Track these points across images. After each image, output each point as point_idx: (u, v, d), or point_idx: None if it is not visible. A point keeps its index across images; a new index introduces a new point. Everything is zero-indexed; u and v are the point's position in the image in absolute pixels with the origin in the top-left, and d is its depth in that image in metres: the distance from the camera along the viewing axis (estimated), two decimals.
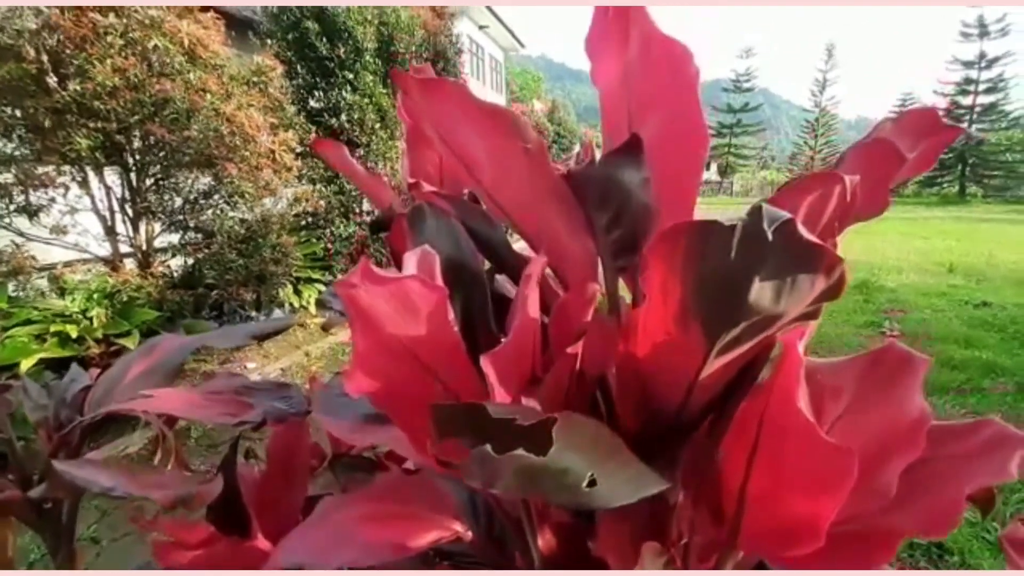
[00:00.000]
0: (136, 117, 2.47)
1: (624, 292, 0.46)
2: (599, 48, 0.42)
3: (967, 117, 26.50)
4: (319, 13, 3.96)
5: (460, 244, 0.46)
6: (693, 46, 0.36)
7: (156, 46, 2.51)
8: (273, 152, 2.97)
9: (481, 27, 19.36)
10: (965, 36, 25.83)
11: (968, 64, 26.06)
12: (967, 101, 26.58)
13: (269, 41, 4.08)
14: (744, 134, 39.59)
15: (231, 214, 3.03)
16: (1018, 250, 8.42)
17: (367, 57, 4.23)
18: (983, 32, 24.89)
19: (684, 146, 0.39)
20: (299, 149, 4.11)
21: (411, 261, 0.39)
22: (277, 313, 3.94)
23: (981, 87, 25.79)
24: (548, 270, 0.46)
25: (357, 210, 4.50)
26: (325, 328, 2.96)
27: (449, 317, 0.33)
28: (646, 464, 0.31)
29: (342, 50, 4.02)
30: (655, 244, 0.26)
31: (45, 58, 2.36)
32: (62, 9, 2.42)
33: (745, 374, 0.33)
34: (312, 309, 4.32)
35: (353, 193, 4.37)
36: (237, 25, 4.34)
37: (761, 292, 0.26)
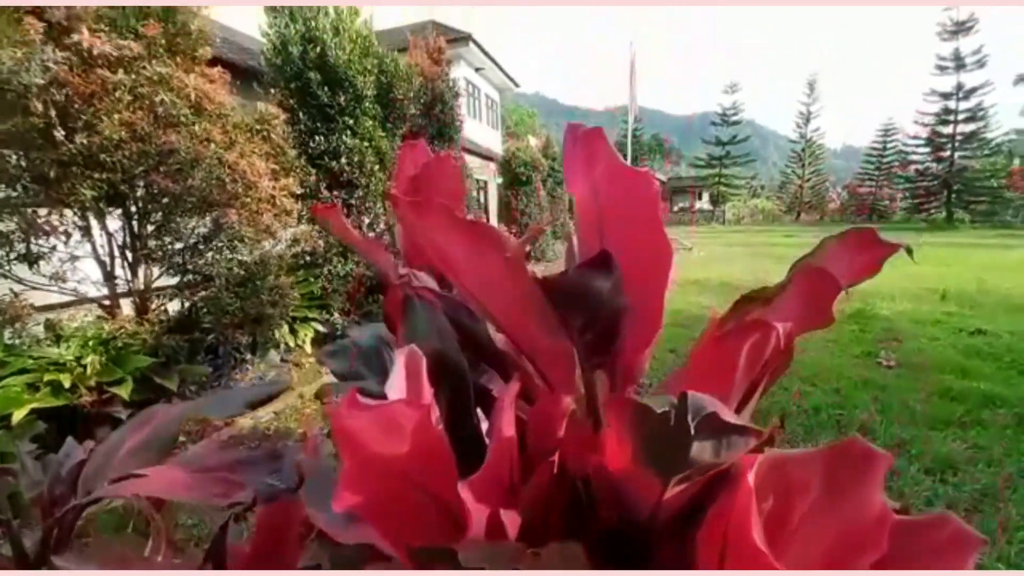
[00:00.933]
0: (141, 168, 2.56)
1: None
2: (570, 165, 0.46)
3: (948, 145, 27.32)
4: (321, 64, 4.13)
5: (445, 340, 0.49)
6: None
7: (163, 100, 2.62)
8: (274, 197, 3.05)
9: (477, 69, 20.13)
10: (941, 69, 26.93)
11: (946, 95, 27.11)
12: (948, 130, 27.48)
13: (272, 90, 4.25)
14: (733, 165, 40.66)
15: (230, 257, 3.07)
16: (1009, 276, 8.53)
17: (366, 104, 4.39)
18: (959, 65, 25.97)
19: (650, 262, 0.43)
20: (299, 191, 4.23)
21: (399, 364, 0.42)
22: (272, 355, 3.93)
23: (961, 116, 26.71)
24: (528, 364, 0.48)
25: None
26: (318, 396, 2.95)
27: (433, 431, 0.36)
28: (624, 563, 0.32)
29: (342, 98, 4.18)
30: (610, 404, 0.29)
31: (53, 112, 2.46)
32: (71, 66, 2.53)
33: (711, 488, 0.36)
34: (308, 348, 4.31)
35: (363, 228, 4.45)
36: (242, 75, 4.53)
37: (701, 449, 0.28)
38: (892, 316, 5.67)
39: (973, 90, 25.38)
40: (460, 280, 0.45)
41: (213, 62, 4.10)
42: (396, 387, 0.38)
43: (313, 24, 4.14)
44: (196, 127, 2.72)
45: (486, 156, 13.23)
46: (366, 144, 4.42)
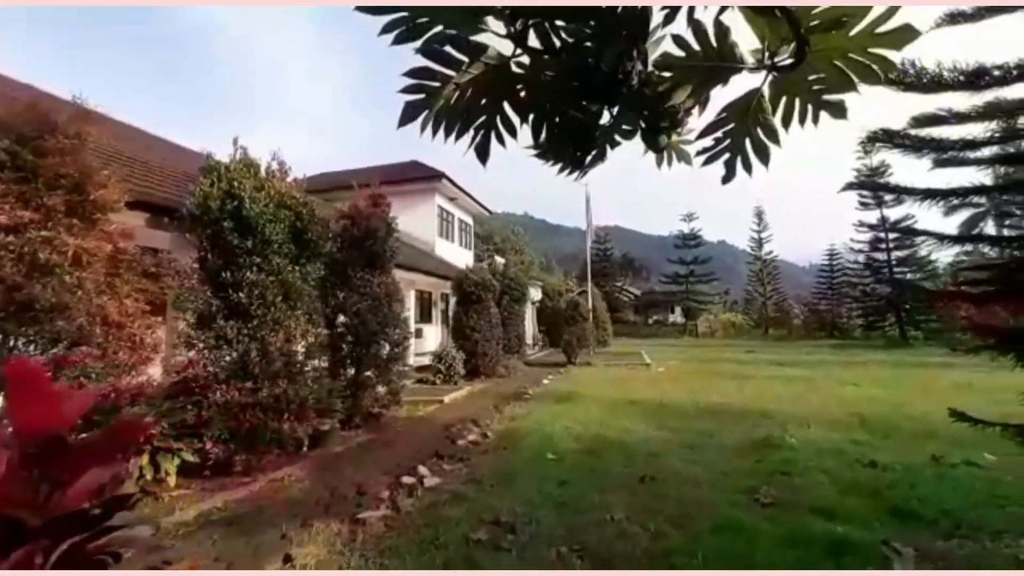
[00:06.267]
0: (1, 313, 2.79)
1: None
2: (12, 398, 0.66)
3: (885, 269, 29.67)
4: (236, 214, 4.69)
5: None
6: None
7: (44, 257, 2.97)
8: (135, 336, 3.25)
9: (451, 199, 22.34)
10: (864, 205, 30.49)
11: (874, 227, 30.32)
12: (883, 256, 30.09)
13: (188, 234, 4.74)
14: (699, 282, 43.16)
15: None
16: (934, 398, 8.68)
17: (275, 245, 4.88)
18: (879, 201, 29.45)
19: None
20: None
21: None
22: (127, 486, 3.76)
23: (892, 243, 29.50)
24: None
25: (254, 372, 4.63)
26: None
27: None
28: None
29: (250, 241, 4.67)
30: None
31: None
32: None
33: None
34: (172, 480, 4.14)
35: (252, 355, 4.59)
36: (168, 212, 5.08)
37: None
38: (799, 445, 5.69)
39: (898, 222, 28.43)
40: None
41: (137, 204, 4.67)
42: None
43: (236, 184, 4.80)
44: (67, 277, 3.03)
45: (447, 277, 14.00)
46: (271, 279, 4.80)
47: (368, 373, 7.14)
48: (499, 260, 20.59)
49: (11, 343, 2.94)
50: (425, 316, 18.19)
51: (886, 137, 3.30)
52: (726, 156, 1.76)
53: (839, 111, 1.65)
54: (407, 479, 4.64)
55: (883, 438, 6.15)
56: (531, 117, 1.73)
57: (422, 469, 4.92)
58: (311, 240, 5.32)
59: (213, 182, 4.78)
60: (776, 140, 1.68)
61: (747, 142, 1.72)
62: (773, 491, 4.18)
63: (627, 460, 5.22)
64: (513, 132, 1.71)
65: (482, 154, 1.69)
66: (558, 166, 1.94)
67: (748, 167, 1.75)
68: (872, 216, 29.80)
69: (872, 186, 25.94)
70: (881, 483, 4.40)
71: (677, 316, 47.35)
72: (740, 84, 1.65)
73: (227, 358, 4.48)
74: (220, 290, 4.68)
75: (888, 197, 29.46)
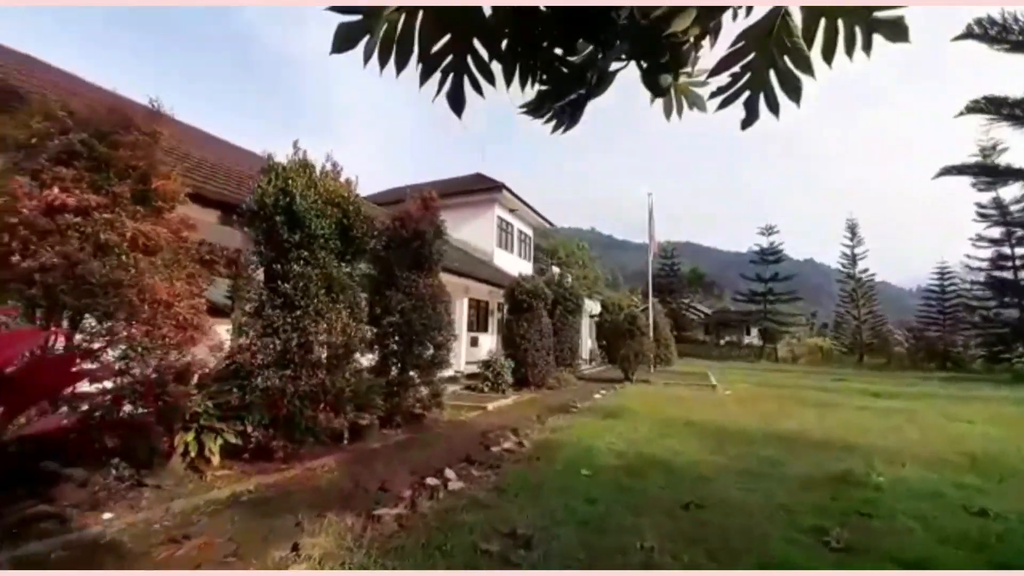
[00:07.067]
0: (61, 287, 3.09)
1: None
2: None
3: (1011, 291, 25.16)
4: (288, 209, 4.95)
5: None
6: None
7: (105, 238, 3.27)
8: (181, 315, 3.47)
9: (511, 210, 22.56)
10: (983, 216, 26.20)
11: (997, 242, 25.88)
12: (1009, 275, 25.58)
13: (247, 228, 5.08)
14: (779, 301, 39.56)
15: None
16: None
17: (322, 240, 5.08)
18: (1004, 212, 25.22)
19: None
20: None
21: None
22: (176, 465, 3.99)
23: (1019, 262, 25.03)
24: None
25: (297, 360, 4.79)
26: None
27: None
28: None
29: (298, 235, 4.89)
30: None
31: (14, 244, 3.13)
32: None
33: None
34: (216, 459, 4.34)
35: (293, 344, 4.77)
36: (227, 208, 5.47)
37: None
38: (887, 484, 4.81)
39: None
40: None
41: (198, 198, 5.08)
42: None
43: (291, 182, 5.09)
44: (124, 257, 3.32)
45: (502, 285, 13.99)
46: (316, 271, 4.99)
47: (412, 373, 7.20)
48: (555, 270, 20.27)
49: (70, 315, 3.25)
50: (481, 325, 18.32)
51: (991, 107, 2.68)
52: (746, 95, 1.46)
53: (897, 31, 1.29)
54: (432, 480, 4.52)
55: (998, 483, 5.04)
56: (517, 66, 1.55)
57: (449, 472, 4.78)
58: (356, 237, 5.49)
59: (271, 180, 5.09)
60: (808, 69, 1.35)
61: (771, 75, 1.41)
62: (847, 534, 3.50)
63: (671, 483, 4.70)
64: (491, 78, 1.54)
65: (455, 102, 1.53)
66: (552, 123, 1.74)
67: (774, 106, 1.43)
68: (995, 231, 25.58)
69: (978, 169, 21.97)
70: (990, 535, 3.54)
71: (753, 338, 43.68)
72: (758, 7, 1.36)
73: (271, 346, 4.67)
74: (270, 281, 4.93)
75: (1015, 206, 25.13)
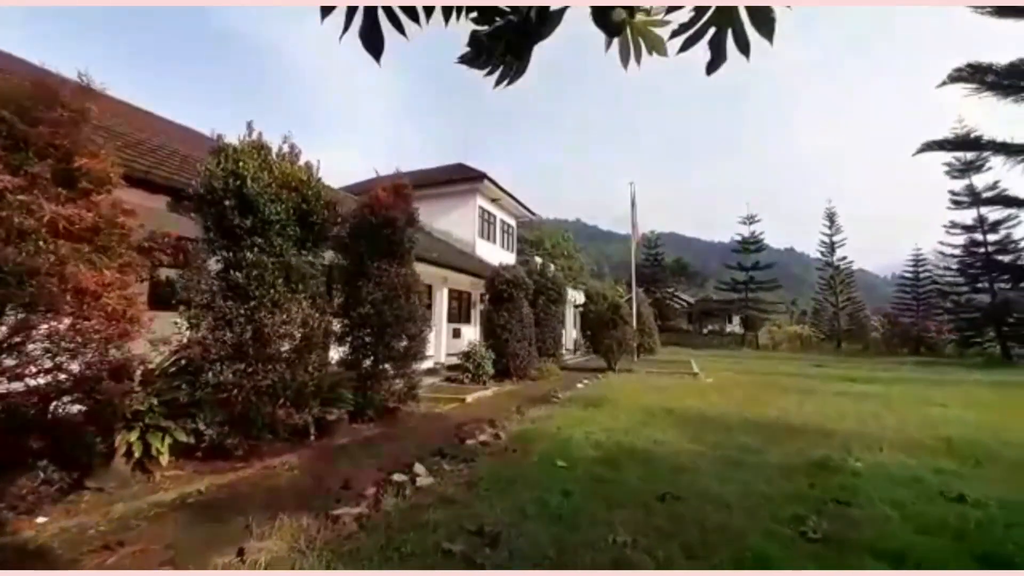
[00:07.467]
0: None
1: None
2: None
3: (983, 277, 25.84)
4: (238, 193, 4.61)
5: None
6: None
7: (20, 222, 2.93)
8: (110, 307, 3.15)
9: (493, 200, 22.19)
10: (957, 204, 26.74)
11: (969, 228, 26.46)
12: (980, 262, 26.24)
13: (194, 214, 4.72)
14: (760, 290, 40.06)
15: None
16: None
17: (278, 226, 4.75)
18: (976, 200, 25.76)
19: None
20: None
21: None
22: (118, 466, 3.69)
23: (990, 248, 25.64)
24: None
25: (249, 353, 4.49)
26: None
27: None
28: None
29: (250, 221, 4.56)
30: None
31: None
32: None
33: None
34: (164, 459, 4.06)
35: (247, 336, 4.47)
36: (175, 194, 5.09)
37: None
38: (864, 471, 4.76)
39: (998, 223, 24.72)
40: None
41: (142, 183, 4.71)
42: None
43: (241, 164, 4.73)
44: (42, 243, 2.98)
45: (482, 276, 13.72)
46: (272, 260, 4.67)
47: (386, 366, 6.93)
48: (537, 260, 20.08)
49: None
50: (463, 316, 18.04)
51: (972, 75, 2.51)
52: (711, 32, 1.24)
53: None
54: (399, 477, 4.30)
55: (975, 467, 5.04)
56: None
57: (418, 467, 4.57)
58: (317, 223, 5.17)
59: (219, 161, 4.74)
60: None
61: (741, 9, 1.19)
62: (825, 524, 3.40)
63: (649, 474, 4.57)
64: (414, 16, 1.29)
65: (370, 42, 1.28)
66: (495, 76, 1.50)
67: (744, 45, 1.21)
68: (967, 216, 26.12)
69: (957, 144, 22.20)
70: (969, 522, 3.48)
71: (735, 326, 44.28)
72: None
73: (223, 339, 4.37)
74: (222, 270, 4.61)
75: (987, 193, 25.67)
